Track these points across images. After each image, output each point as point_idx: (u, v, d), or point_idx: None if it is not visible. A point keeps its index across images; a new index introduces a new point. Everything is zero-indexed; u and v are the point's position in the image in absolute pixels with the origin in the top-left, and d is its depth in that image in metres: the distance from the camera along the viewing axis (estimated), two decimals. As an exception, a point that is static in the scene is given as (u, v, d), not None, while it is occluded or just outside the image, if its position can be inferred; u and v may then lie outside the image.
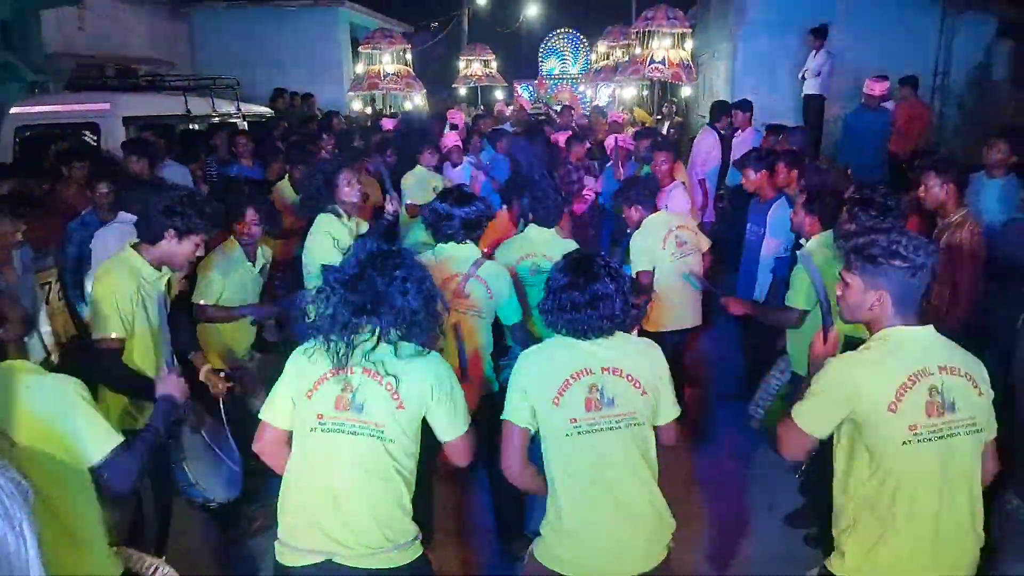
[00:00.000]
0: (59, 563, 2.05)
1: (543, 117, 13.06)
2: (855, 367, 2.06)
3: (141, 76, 10.80)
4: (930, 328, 2.08)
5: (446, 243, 3.26)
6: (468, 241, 3.27)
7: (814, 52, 9.84)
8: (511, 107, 12.19)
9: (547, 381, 2.19)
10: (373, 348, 2.10)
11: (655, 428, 2.29)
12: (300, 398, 2.16)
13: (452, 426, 2.21)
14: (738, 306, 3.91)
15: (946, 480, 2.02)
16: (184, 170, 6.00)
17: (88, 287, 3.55)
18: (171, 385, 2.45)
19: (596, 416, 2.16)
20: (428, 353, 2.18)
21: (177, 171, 5.87)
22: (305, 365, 2.16)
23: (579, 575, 2.22)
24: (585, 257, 2.28)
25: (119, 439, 2.03)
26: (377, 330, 2.10)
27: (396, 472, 2.12)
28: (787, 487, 3.95)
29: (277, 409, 2.22)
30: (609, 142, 6.84)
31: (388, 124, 8.72)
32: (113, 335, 2.82)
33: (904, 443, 1.98)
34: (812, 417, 2.10)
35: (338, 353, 2.08)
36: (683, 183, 5.74)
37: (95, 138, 6.84)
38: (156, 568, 2.32)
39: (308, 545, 2.12)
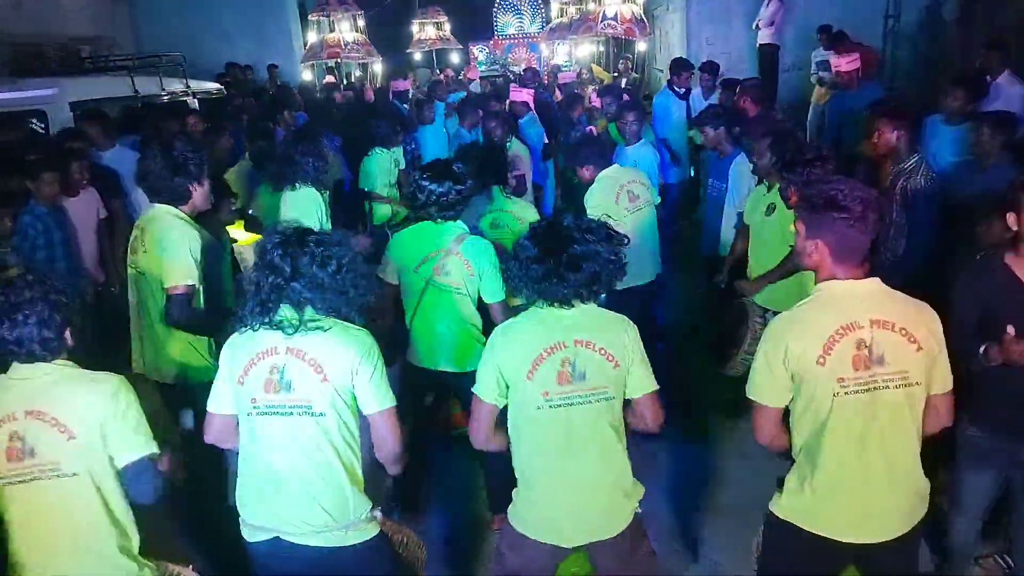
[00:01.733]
0: (103, 557, 2.16)
1: (500, 79, 12.96)
2: (784, 326, 2.13)
3: (85, 58, 10.45)
4: (873, 281, 2.11)
5: (427, 220, 3.26)
6: (448, 219, 3.25)
7: (767, 1, 9.85)
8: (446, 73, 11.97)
9: (521, 356, 2.22)
10: (294, 327, 2.15)
11: (636, 403, 2.33)
12: (234, 384, 2.21)
13: (376, 399, 2.22)
14: (753, 288, 3.93)
15: (875, 431, 2.08)
16: (134, 154, 5.79)
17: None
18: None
19: (568, 390, 2.20)
20: (353, 328, 2.22)
21: (127, 155, 5.66)
22: (235, 351, 2.23)
23: (544, 539, 2.32)
24: (552, 224, 2.25)
25: (151, 450, 2.15)
26: (296, 309, 2.16)
27: (332, 449, 2.17)
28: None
29: (218, 397, 2.29)
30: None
31: (338, 99, 8.55)
32: (189, 282, 2.98)
33: (834, 395, 2.05)
34: (764, 388, 2.15)
35: (261, 335, 2.16)
36: (651, 143, 5.76)
37: (43, 126, 6.63)
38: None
39: (259, 522, 2.22)
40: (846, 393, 2.04)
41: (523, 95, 7.32)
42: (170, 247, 3.01)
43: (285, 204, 4.13)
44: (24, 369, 2.11)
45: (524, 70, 11.79)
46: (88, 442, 2.07)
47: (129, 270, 3.25)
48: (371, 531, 2.28)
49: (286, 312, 2.17)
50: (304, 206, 4.05)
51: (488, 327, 3.35)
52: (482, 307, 3.35)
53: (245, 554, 2.31)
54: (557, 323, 2.23)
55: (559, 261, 2.17)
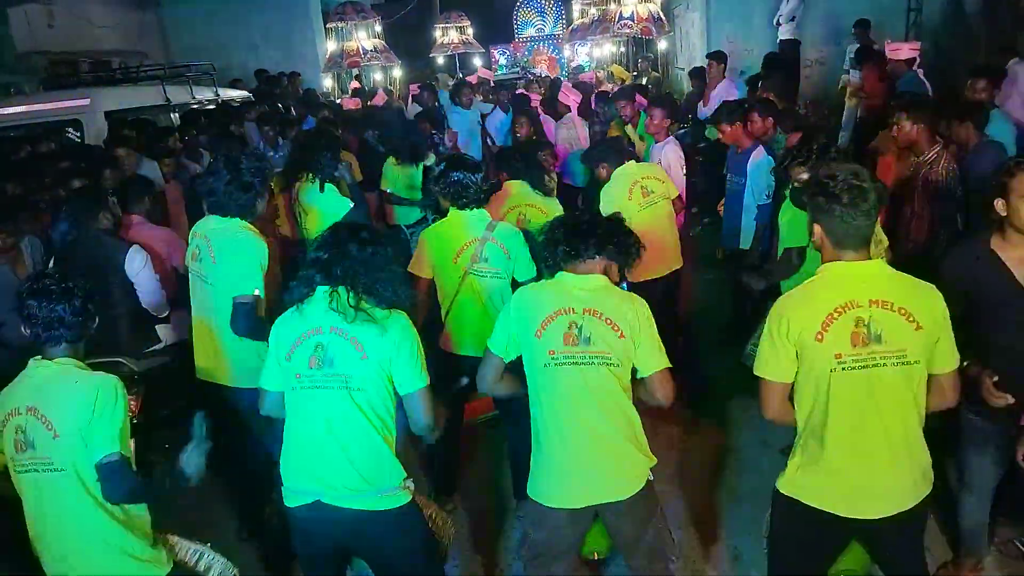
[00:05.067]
0: (109, 546, 2.27)
1: (520, 81, 13.05)
2: (786, 302, 2.22)
3: (116, 69, 10.74)
4: (876, 263, 2.18)
5: (463, 210, 3.39)
6: (479, 207, 3.42)
7: (786, -3, 9.86)
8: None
9: (532, 314, 2.40)
10: (339, 309, 2.31)
11: (647, 381, 2.43)
12: (281, 361, 2.38)
13: (411, 379, 2.36)
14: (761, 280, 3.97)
15: (874, 408, 2.13)
16: (153, 164, 5.81)
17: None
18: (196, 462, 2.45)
19: (572, 350, 2.35)
20: (393, 312, 2.37)
21: (146, 166, 5.72)
22: (282, 331, 2.39)
23: (556, 505, 2.43)
24: (576, 214, 2.49)
25: (119, 452, 2.23)
26: (342, 292, 2.32)
27: (368, 420, 2.32)
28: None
29: (269, 374, 2.45)
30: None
31: (349, 104, 8.68)
32: (256, 292, 3.05)
33: (831, 370, 2.11)
34: (769, 363, 2.22)
35: (308, 316, 2.34)
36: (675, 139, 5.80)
37: (78, 135, 6.86)
38: (201, 554, 2.50)
39: (301, 487, 2.36)
40: (843, 369, 2.10)
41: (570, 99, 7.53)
42: (242, 259, 3.06)
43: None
44: (33, 366, 2.30)
45: (520, 78, 11.88)
46: (71, 441, 2.20)
47: (191, 277, 3.30)
48: (404, 498, 2.41)
49: (332, 295, 2.32)
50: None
51: None
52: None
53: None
54: (570, 291, 2.41)
55: (581, 229, 2.42)
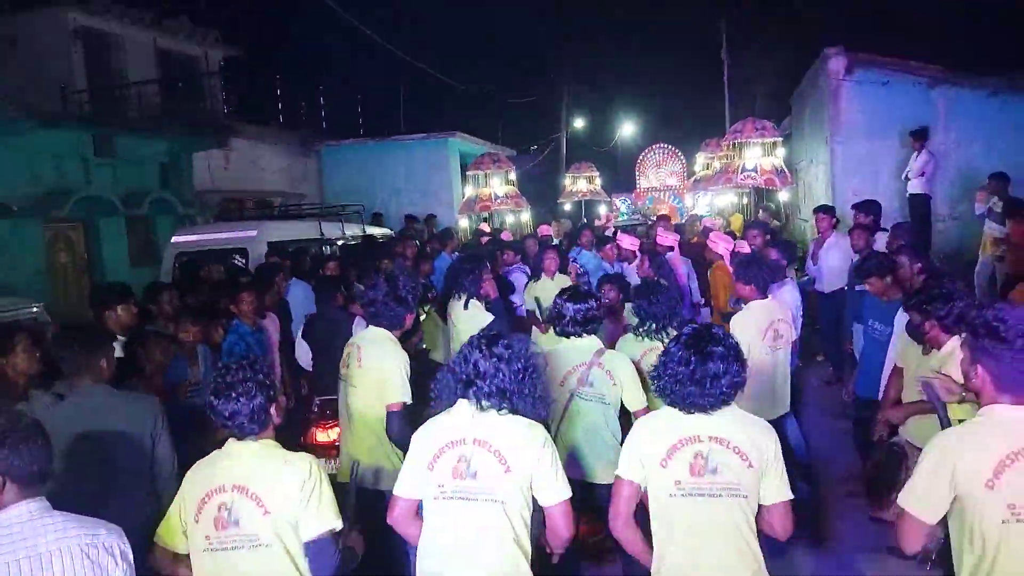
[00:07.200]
0: None
1: (640, 227, 13.51)
2: (952, 443, 2.12)
3: (275, 206, 12.07)
4: None
5: (567, 337, 3.56)
6: (586, 335, 3.54)
7: (916, 153, 9.87)
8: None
9: (657, 443, 2.36)
10: (481, 422, 2.41)
11: (767, 509, 2.37)
12: (422, 471, 2.44)
13: (554, 491, 2.39)
14: (898, 414, 3.79)
15: None
16: (306, 286, 6.42)
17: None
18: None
19: (699, 481, 2.30)
20: (534, 425, 2.45)
21: (299, 289, 6.40)
22: (423, 440, 2.48)
23: None
24: (702, 334, 2.41)
25: (334, 525, 2.37)
26: (482, 403, 2.42)
27: (510, 532, 2.36)
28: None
29: (404, 482, 2.51)
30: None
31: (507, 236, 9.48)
32: (406, 400, 3.30)
33: (1004, 521, 2.00)
34: (922, 501, 2.12)
35: (450, 426, 2.43)
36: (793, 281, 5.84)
37: (243, 260, 7.70)
38: None
39: None
40: (1018, 520, 2.00)
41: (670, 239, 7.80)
42: (389, 368, 3.32)
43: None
44: (235, 446, 2.40)
45: (640, 224, 12.26)
46: (280, 517, 2.32)
47: (340, 383, 3.62)
48: None
49: (472, 406, 2.43)
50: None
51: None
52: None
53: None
54: (695, 418, 2.34)
55: (703, 371, 2.30)
